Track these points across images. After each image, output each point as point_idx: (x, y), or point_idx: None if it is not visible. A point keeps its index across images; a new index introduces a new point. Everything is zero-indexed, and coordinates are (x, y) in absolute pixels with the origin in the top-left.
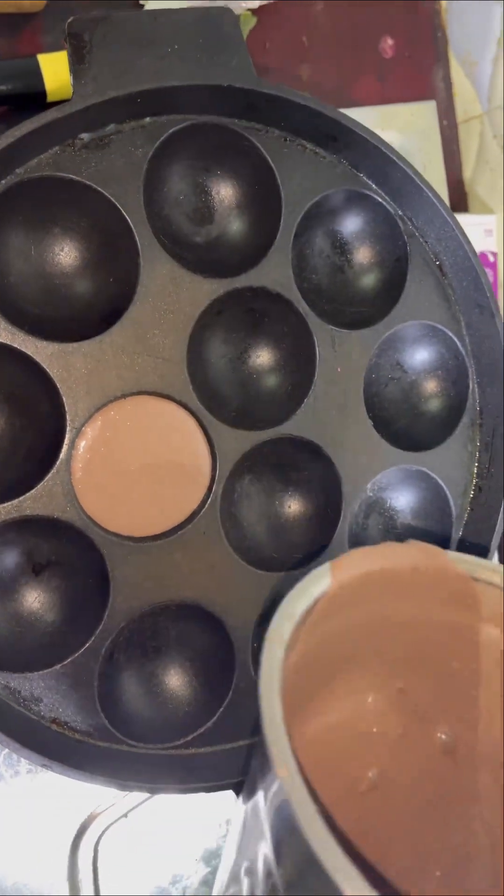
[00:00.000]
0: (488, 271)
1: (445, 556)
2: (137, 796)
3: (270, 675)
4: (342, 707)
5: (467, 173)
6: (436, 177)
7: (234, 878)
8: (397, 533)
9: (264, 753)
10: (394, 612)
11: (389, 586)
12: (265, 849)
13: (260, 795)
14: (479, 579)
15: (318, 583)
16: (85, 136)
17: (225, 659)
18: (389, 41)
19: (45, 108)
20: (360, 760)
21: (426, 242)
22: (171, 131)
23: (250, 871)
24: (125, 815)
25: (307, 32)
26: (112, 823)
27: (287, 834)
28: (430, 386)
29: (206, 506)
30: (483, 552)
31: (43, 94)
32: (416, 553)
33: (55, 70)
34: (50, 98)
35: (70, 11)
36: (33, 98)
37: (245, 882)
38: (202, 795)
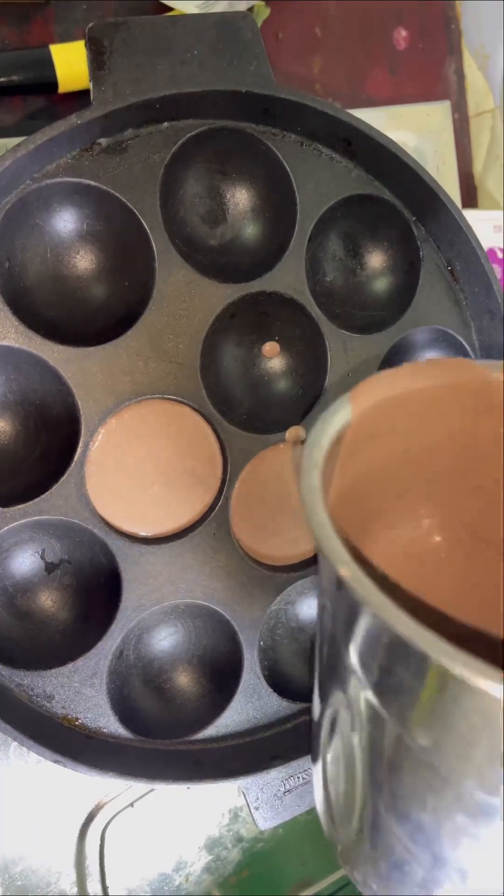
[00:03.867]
0: (496, 267)
1: (478, 366)
2: (143, 787)
3: (312, 495)
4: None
5: (477, 168)
6: (449, 177)
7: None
8: None
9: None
10: (426, 436)
11: (417, 408)
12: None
13: (340, 637)
14: None
15: (338, 413)
16: (103, 140)
17: (233, 657)
18: (403, 33)
19: (56, 98)
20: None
21: (439, 248)
22: (188, 136)
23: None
24: (131, 805)
25: (320, 23)
26: (118, 812)
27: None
28: None
29: (217, 507)
30: None
31: (54, 84)
32: (447, 370)
33: (67, 61)
34: (62, 88)
35: (80, 1)
36: (45, 88)
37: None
38: (205, 785)
